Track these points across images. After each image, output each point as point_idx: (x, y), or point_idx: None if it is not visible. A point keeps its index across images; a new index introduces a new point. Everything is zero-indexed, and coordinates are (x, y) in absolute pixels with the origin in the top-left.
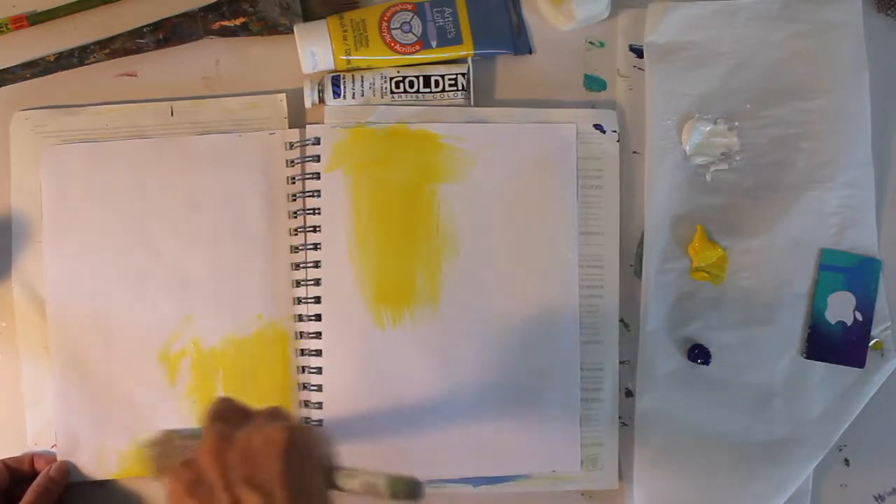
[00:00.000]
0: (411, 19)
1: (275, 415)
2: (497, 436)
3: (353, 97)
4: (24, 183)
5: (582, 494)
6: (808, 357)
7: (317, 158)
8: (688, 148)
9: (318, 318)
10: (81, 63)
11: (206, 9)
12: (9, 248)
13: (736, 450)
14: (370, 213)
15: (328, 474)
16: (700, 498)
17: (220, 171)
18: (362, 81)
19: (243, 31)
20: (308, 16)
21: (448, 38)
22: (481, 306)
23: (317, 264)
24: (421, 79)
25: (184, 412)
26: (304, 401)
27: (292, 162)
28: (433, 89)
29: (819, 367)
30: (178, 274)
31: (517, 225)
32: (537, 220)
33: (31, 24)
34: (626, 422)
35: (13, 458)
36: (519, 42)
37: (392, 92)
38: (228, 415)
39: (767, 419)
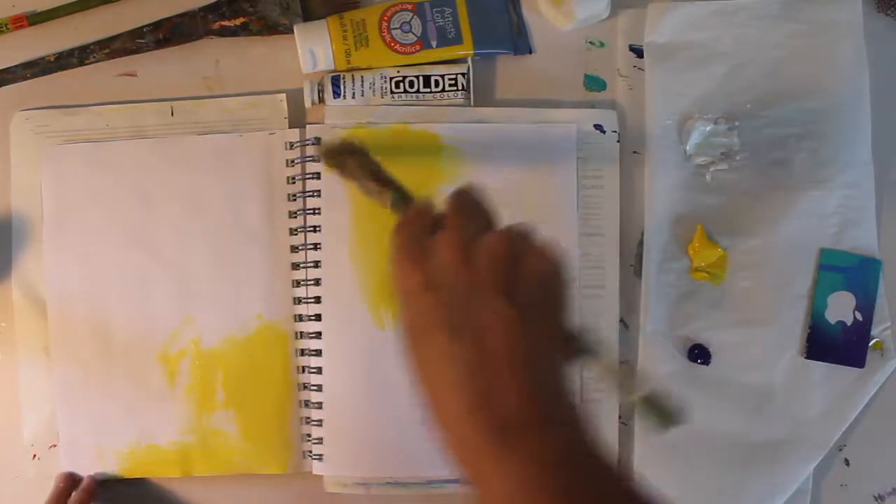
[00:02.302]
0: (411, 19)
1: (524, 230)
2: None
3: (353, 97)
4: (24, 183)
5: None
6: (808, 357)
7: (317, 158)
8: (688, 148)
9: (318, 318)
10: (81, 63)
11: (206, 9)
12: (9, 248)
13: (736, 450)
14: (370, 213)
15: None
16: (700, 498)
17: (220, 171)
18: (362, 81)
19: (243, 31)
20: (308, 16)
21: (448, 38)
22: None
23: (317, 264)
24: (421, 79)
25: (183, 412)
26: (304, 401)
27: (292, 162)
28: (433, 89)
29: (819, 367)
30: (178, 274)
31: None
32: (537, 220)
33: (31, 24)
34: (626, 422)
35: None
36: (519, 42)
37: (392, 92)
38: (474, 208)
39: (767, 419)
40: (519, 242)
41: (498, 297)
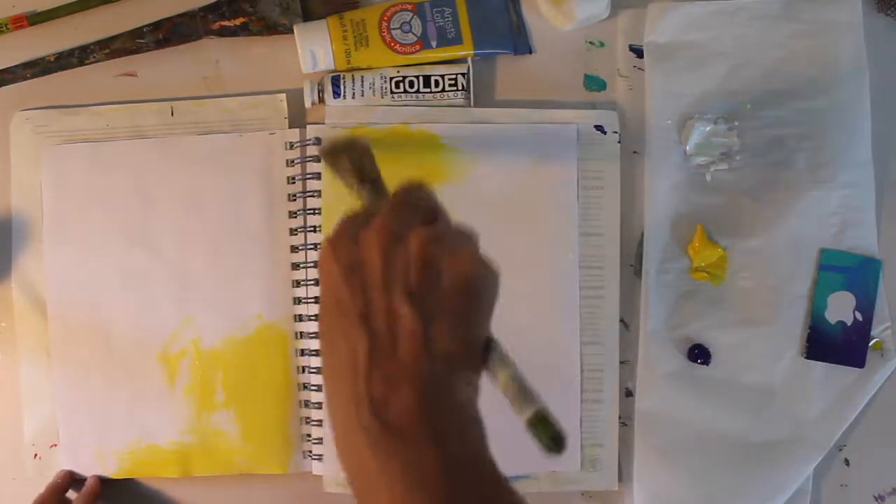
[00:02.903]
0: (411, 19)
1: (461, 233)
2: (497, 436)
3: (353, 97)
4: (24, 183)
5: (582, 495)
6: (808, 357)
7: (317, 158)
8: (688, 148)
9: (317, 318)
10: (81, 63)
11: (206, 9)
12: (9, 248)
13: (736, 450)
14: None
15: (487, 339)
16: (700, 498)
17: (220, 171)
18: (362, 81)
19: (243, 31)
20: (308, 16)
21: (448, 38)
22: None
23: (317, 264)
24: (421, 79)
25: (183, 412)
26: (304, 401)
27: (292, 162)
28: (433, 89)
29: (819, 367)
30: (178, 274)
31: (517, 225)
32: (537, 220)
33: (31, 24)
34: (626, 422)
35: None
36: (519, 42)
37: (392, 92)
38: (414, 204)
39: (767, 419)
40: (448, 243)
41: (404, 299)
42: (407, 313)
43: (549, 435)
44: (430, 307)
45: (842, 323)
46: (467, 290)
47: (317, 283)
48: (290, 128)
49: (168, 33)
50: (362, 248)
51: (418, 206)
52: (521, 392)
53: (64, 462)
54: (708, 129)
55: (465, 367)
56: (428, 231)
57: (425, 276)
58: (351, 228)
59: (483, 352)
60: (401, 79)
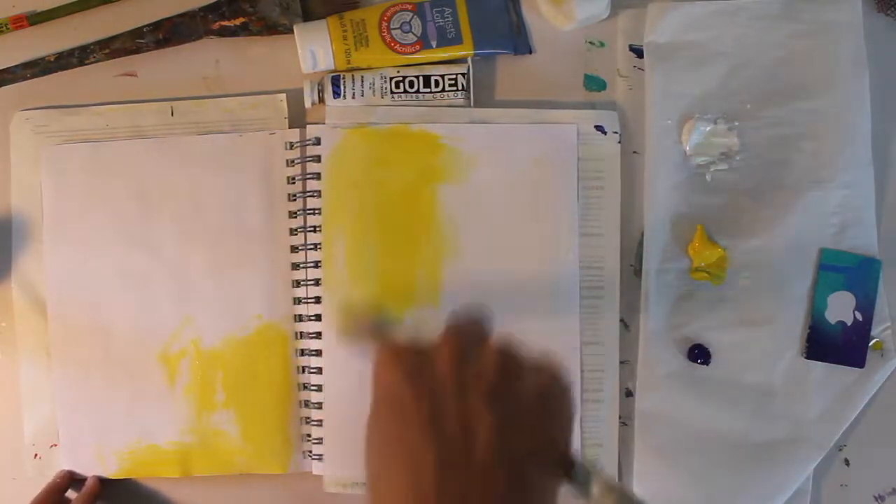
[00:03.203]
0: (411, 19)
1: (525, 350)
2: None
3: (353, 97)
4: (24, 183)
5: None
6: (808, 357)
7: (317, 158)
8: (688, 148)
9: (318, 318)
10: (81, 63)
11: (206, 9)
12: (9, 248)
13: (736, 450)
14: (370, 213)
15: (564, 453)
16: (700, 498)
17: (221, 171)
18: (362, 81)
19: (243, 31)
20: (308, 16)
21: (448, 38)
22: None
23: (317, 264)
24: (421, 79)
25: (183, 412)
26: (304, 401)
27: (292, 162)
28: (433, 89)
29: (819, 367)
30: (178, 274)
31: (517, 225)
32: (537, 220)
33: (31, 24)
34: (626, 422)
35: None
36: (519, 42)
37: (392, 92)
38: (474, 325)
39: (767, 419)
40: (514, 360)
41: (482, 399)
42: (484, 412)
43: None
44: (509, 412)
45: (842, 323)
46: (545, 395)
47: (317, 283)
48: (290, 128)
49: (168, 33)
50: (431, 355)
51: (478, 327)
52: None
53: (64, 462)
54: (708, 129)
55: (543, 476)
56: (500, 342)
57: (502, 382)
58: (405, 350)
59: (566, 463)
60: (401, 79)
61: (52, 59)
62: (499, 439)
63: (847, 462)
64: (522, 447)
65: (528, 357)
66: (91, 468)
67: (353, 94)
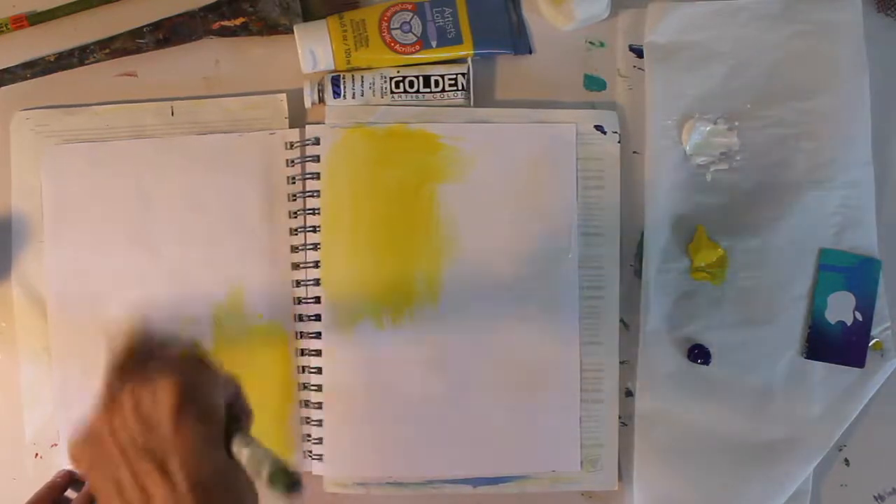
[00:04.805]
0: (411, 19)
1: (172, 356)
2: (497, 436)
3: (353, 97)
4: (24, 183)
5: (582, 495)
6: (808, 357)
7: (317, 158)
8: (688, 148)
9: (318, 318)
10: (81, 63)
11: (206, 9)
12: (9, 248)
13: (736, 450)
14: (370, 213)
15: (227, 430)
16: (700, 498)
17: (220, 170)
18: (362, 81)
19: (243, 31)
20: (308, 16)
21: (448, 38)
22: (481, 306)
23: (317, 264)
24: (421, 79)
25: None
26: (304, 401)
27: (292, 162)
28: (433, 89)
29: (819, 367)
30: (177, 274)
31: (517, 225)
32: (537, 220)
33: (31, 24)
34: (626, 422)
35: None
36: (519, 42)
37: (392, 92)
38: (132, 354)
39: (767, 419)
40: (144, 385)
41: (137, 456)
42: (147, 470)
43: (283, 484)
44: (156, 450)
45: (842, 323)
46: (172, 413)
47: (317, 283)
48: (290, 128)
49: (168, 33)
50: (92, 434)
51: (133, 351)
52: (257, 462)
53: (64, 462)
54: (708, 129)
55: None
56: (125, 390)
57: (144, 424)
58: (78, 438)
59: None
60: (401, 79)
61: (52, 59)
62: (165, 481)
63: (847, 462)
64: (191, 462)
65: (151, 374)
66: None
67: (353, 94)
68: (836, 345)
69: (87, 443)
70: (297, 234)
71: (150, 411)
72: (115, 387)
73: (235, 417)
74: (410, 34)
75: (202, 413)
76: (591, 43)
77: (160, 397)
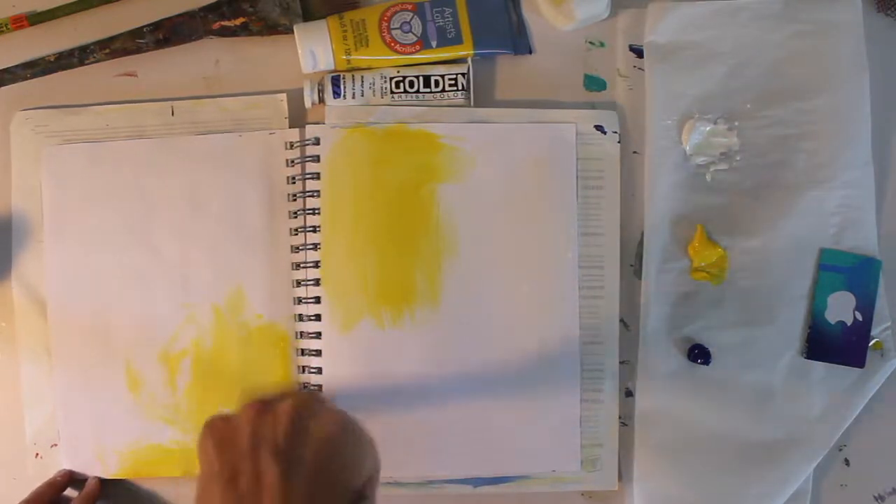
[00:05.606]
0: (411, 19)
1: (324, 399)
2: (497, 436)
3: (353, 97)
4: (24, 183)
5: (582, 495)
6: (808, 357)
7: (317, 158)
8: (688, 148)
9: (318, 318)
10: (81, 63)
11: (206, 9)
12: (9, 248)
13: (736, 450)
14: (370, 213)
15: (359, 494)
16: (700, 498)
17: (220, 170)
18: (362, 81)
19: (243, 31)
20: (308, 16)
21: (448, 38)
22: (481, 306)
23: (317, 264)
24: (421, 79)
25: (184, 412)
26: None
27: (292, 162)
28: (433, 89)
29: (819, 367)
30: (178, 274)
31: (517, 225)
32: (537, 220)
33: (31, 24)
34: (626, 422)
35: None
36: (519, 42)
37: (392, 92)
38: (267, 397)
39: (767, 419)
40: (313, 406)
41: (269, 453)
42: (271, 465)
43: None
44: (295, 461)
45: (842, 323)
46: (330, 445)
47: (317, 283)
48: (290, 128)
49: (168, 33)
50: (235, 420)
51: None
52: None
53: (65, 462)
54: (708, 129)
55: None
56: (296, 395)
57: (292, 434)
58: (219, 416)
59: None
60: (401, 79)
61: (52, 59)
62: (285, 488)
63: (847, 462)
64: (303, 494)
65: (322, 405)
66: (92, 468)
67: (353, 94)
68: (836, 345)
69: (228, 422)
70: (297, 234)
71: (307, 423)
72: (265, 399)
73: (362, 496)
74: (410, 34)
75: (349, 453)
76: (591, 43)
77: (325, 416)
